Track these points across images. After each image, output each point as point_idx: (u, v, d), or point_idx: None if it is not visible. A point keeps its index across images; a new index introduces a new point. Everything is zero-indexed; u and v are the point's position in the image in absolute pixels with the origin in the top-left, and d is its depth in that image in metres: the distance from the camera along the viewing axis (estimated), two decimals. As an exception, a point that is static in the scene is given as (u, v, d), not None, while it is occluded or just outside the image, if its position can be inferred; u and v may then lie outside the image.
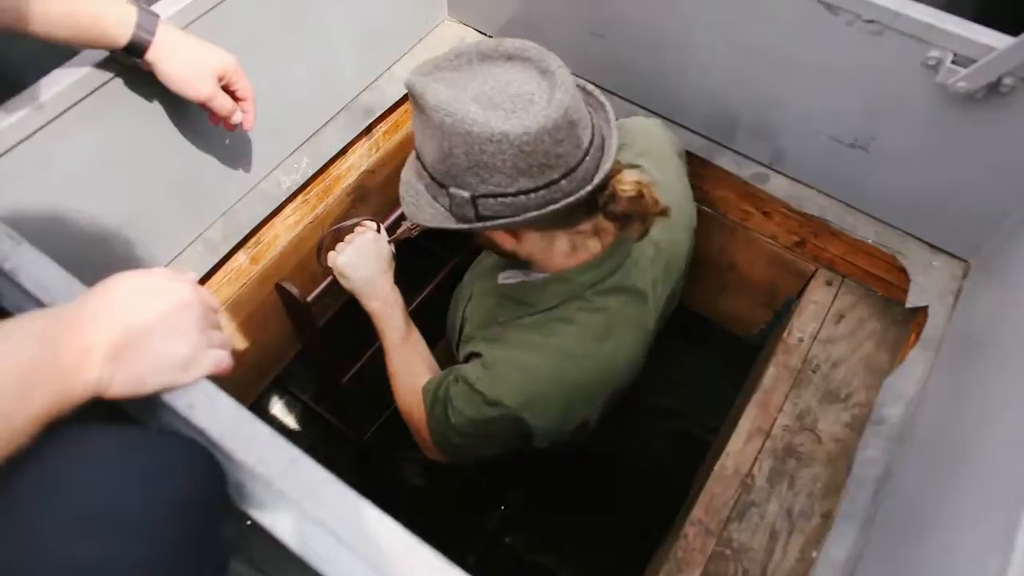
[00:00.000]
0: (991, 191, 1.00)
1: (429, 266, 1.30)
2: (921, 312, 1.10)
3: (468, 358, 0.98)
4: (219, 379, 0.63)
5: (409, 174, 0.86)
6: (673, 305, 1.10)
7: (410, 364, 1.06)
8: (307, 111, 1.23)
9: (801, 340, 1.19)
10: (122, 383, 0.56)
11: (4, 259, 0.67)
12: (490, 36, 1.40)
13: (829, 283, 1.25)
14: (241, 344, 1.30)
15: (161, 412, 0.61)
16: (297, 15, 1.10)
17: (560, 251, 0.90)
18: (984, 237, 1.05)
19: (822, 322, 1.21)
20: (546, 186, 0.76)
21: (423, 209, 0.83)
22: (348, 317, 1.30)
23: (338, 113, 1.29)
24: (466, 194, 0.77)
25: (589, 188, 0.78)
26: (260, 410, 1.52)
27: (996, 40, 0.87)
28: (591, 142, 0.79)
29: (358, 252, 1.04)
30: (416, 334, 1.09)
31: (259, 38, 1.05)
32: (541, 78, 0.76)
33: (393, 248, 1.08)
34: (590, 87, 0.87)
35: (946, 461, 0.80)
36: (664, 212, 0.84)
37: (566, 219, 0.83)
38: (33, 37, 0.79)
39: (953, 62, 0.90)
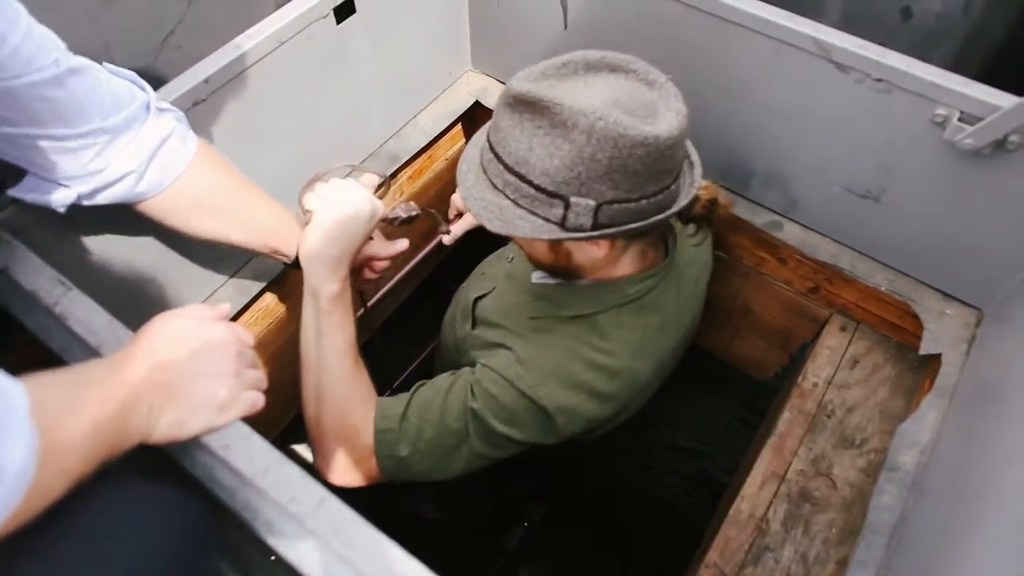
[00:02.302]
0: (1001, 243, 1.02)
1: (447, 304, 1.33)
2: (935, 359, 1.11)
3: (489, 346, 0.97)
4: (246, 419, 0.66)
5: (483, 191, 0.82)
6: (686, 345, 1.12)
7: (359, 375, 0.94)
8: (336, 158, 1.28)
9: (816, 385, 1.20)
10: (164, 429, 0.59)
11: (55, 304, 0.72)
12: (512, 86, 1.45)
13: (843, 329, 1.27)
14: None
15: (197, 452, 0.65)
16: (330, 67, 1.16)
17: (626, 261, 0.92)
18: (996, 287, 1.07)
19: (837, 367, 1.22)
20: (663, 191, 0.79)
21: (513, 223, 0.80)
22: (368, 354, 1.33)
23: (365, 160, 1.34)
24: (592, 202, 0.76)
25: (694, 191, 0.81)
26: (280, 446, 1.54)
27: (1001, 99, 0.89)
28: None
29: (348, 200, 0.91)
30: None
31: (295, 89, 1.11)
32: (649, 89, 0.78)
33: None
34: None
35: (960, 509, 0.81)
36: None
37: (656, 225, 0.82)
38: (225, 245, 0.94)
39: (960, 120, 0.93)
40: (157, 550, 0.57)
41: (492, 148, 0.81)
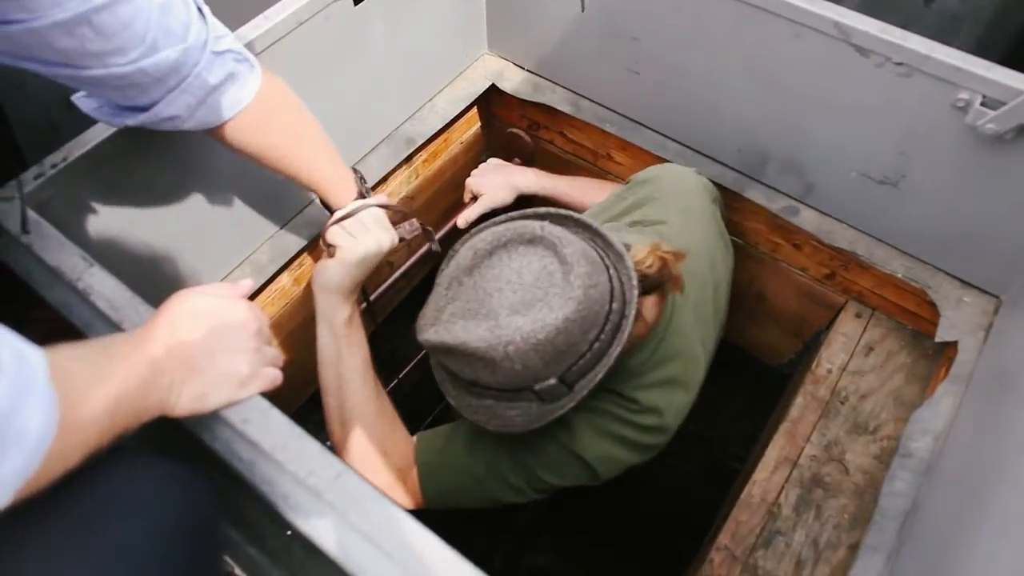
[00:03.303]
0: (1021, 230, 1.01)
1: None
2: (952, 346, 1.10)
3: None
4: (263, 395, 0.67)
5: (467, 399, 0.84)
6: (719, 337, 1.13)
7: (380, 395, 0.98)
8: (352, 140, 1.29)
9: (830, 371, 1.20)
10: (187, 402, 0.60)
11: (78, 279, 0.73)
12: (528, 70, 1.45)
13: (859, 315, 1.27)
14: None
15: (216, 426, 0.66)
16: (347, 49, 1.16)
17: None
18: (1015, 275, 1.06)
19: (851, 354, 1.22)
20: (606, 323, 0.78)
21: (503, 417, 0.82)
22: (382, 338, 1.34)
23: (380, 142, 1.34)
24: (552, 381, 0.78)
25: (636, 293, 0.80)
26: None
27: (1024, 83, 0.88)
28: (612, 263, 0.83)
29: (372, 238, 0.97)
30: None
31: (312, 70, 1.11)
32: (532, 248, 0.78)
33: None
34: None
35: (973, 496, 0.81)
36: (680, 257, 0.87)
37: (624, 340, 0.82)
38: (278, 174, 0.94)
39: (982, 104, 0.92)
40: (156, 525, 0.57)
41: (446, 371, 0.85)
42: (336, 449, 0.95)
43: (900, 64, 0.96)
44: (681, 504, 1.50)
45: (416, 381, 1.65)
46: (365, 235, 0.96)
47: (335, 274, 0.95)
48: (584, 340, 0.77)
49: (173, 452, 0.65)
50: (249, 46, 0.98)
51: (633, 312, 0.79)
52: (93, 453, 0.53)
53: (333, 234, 0.97)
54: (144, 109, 0.75)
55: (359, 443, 0.93)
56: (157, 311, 0.63)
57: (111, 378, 0.52)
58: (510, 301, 0.75)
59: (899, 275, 1.15)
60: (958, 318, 1.10)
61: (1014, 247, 1.04)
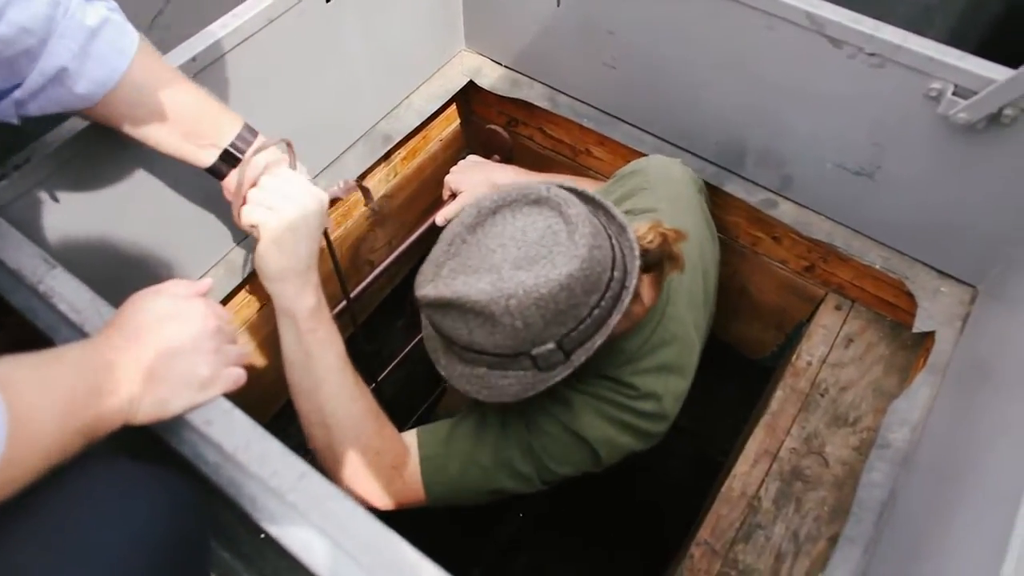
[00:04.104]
0: (996, 219, 1.01)
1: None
2: (930, 337, 1.10)
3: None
4: (237, 396, 0.66)
5: (457, 366, 0.82)
6: (711, 323, 1.13)
7: (361, 389, 0.89)
8: (328, 138, 1.28)
9: (810, 364, 1.20)
10: (148, 408, 0.59)
11: (39, 282, 0.72)
12: (506, 66, 1.44)
13: (839, 307, 1.27)
14: (260, 363, 1.33)
15: (181, 429, 0.65)
16: (321, 46, 1.15)
17: (621, 324, 0.91)
18: (990, 264, 1.06)
19: (831, 346, 1.22)
20: (608, 289, 0.78)
21: (500, 389, 0.80)
22: (359, 340, 1.33)
23: (358, 140, 1.33)
24: (552, 344, 0.76)
25: (638, 264, 0.80)
26: (276, 429, 1.54)
27: (996, 72, 0.88)
28: (614, 235, 0.82)
29: (291, 202, 0.83)
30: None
31: (285, 68, 1.10)
32: (536, 209, 0.78)
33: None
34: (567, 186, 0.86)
35: (948, 485, 0.81)
36: (681, 236, 0.87)
37: (621, 312, 0.81)
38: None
39: (954, 94, 0.91)
40: (143, 534, 0.57)
41: (440, 335, 0.82)
42: (319, 455, 0.88)
43: (873, 55, 0.95)
44: (669, 498, 1.50)
45: (399, 380, 1.64)
46: (281, 200, 0.83)
47: (270, 257, 0.81)
48: (585, 304, 0.76)
49: (157, 459, 0.64)
50: (217, 45, 0.97)
51: (634, 283, 0.79)
52: (57, 462, 0.52)
53: (248, 213, 0.84)
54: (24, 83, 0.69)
55: (347, 447, 0.86)
56: (114, 315, 0.62)
57: (59, 382, 0.52)
58: (514, 257, 0.74)
59: (877, 266, 1.15)
60: (935, 309, 1.10)
61: (989, 236, 1.04)
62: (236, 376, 0.65)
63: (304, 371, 0.85)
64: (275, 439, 0.61)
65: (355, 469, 0.86)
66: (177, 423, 0.65)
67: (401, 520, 0.72)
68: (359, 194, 1.07)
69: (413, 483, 0.91)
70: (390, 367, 1.61)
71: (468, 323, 0.76)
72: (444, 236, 0.79)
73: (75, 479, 0.56)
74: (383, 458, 0.88)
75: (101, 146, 0.91)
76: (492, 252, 0.75)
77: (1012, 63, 0.87)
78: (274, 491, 0.60)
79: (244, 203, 0.85)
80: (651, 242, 0.83)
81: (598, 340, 0.78)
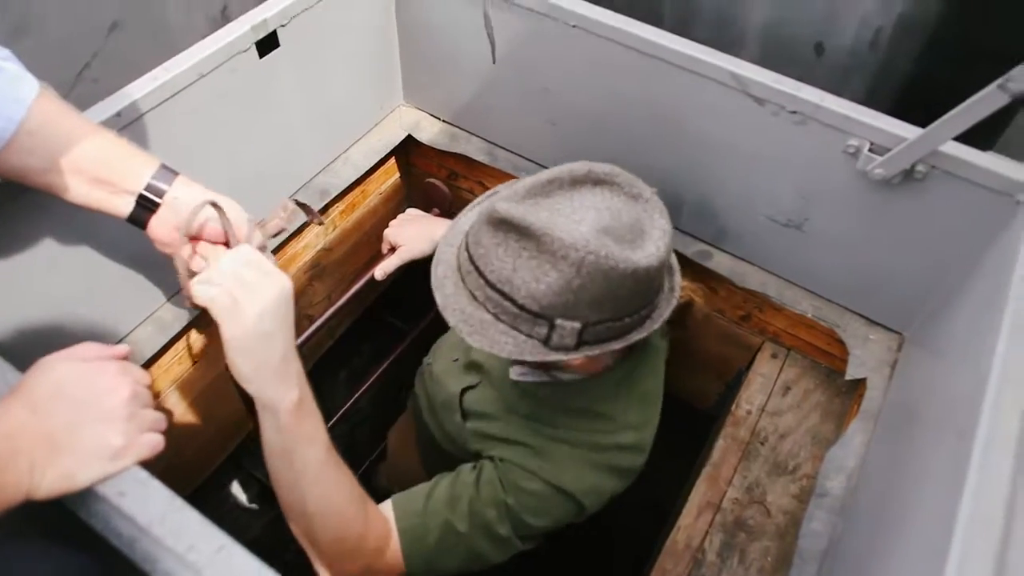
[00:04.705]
0: (917, 269, 1.05)
1: (386, 338, 1.31)
2: (862, 383, 1.13)
3: (497, 440, 0.94)
4: (171, 456, 0.63)
5: (462, 302, 0.79)
6: None
7: (344, 476, 0.82)
8: (264, 192, 1.26)
9: (749, 412, 1.21)
10: (52, 483, 0.55)
11: (-60, 346, 0.67)
12: (445, 121, 1.46)
13: (775, 356, 1.29)
14: (195, 421, 1.28)
15: (90, 500, 0.61)
16: (256, 101, 1.14)
17: (607, 360, 0.90)
18: (915, 311, 1.10)
19: (769, 394, 1.23)
20: (647, 305, 0.78)
21: (496, 340, 0.76)
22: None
23: (295, 194, 1.32)
24: (578, 324, 0.74)
25: (675, 300, 0.80)
26: (215, 487, 1.48)
27: (907, 131, 0.93)
28: (666, 269, 0.83)
29: (256, 289, 0.72)
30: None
31: (218, 123, 1.09)
32: (635, 204, 0.77)
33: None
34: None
35: (884, 530, 0.82)
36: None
37: (638, 340, 0.80)
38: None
39: (870, 150, 0.96)
40: None
41: (472, 260, 0.78)
42: (301, 539, 0.83)
43: (794, 112, 1.00)
44: (624, 546, 1.47)
45: (342, 435, 1.59)
46: (242, 290, 0.72)
47: (241, 362, 0.72)
48: (631, 305, 0.75)
49: (68, 533, 0.60)
50: (144, 99, 0.96)
51: (664, 316, 0.79)
52: None
53: (202, 293, 0.73)
54: None
55: (329, 534, 0.80)
56: (18, 382, 0.58)
57: None
58: (605, 225, 0.73)
59: (809, 315, 1.18)
60: (866, 355, 1.13)
61: (911, 285, 1.08)
62: (153, 443, 0.62)
63: (285, 464, 0.78)
64: (194, 510, 0.58)
65: (339, 555, 0.81)
66: (87, 495, 0.61)
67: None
68: (302, 218, 1.01)
69: (395, 561, 0.87)
70: (331, 422, 1.56)
71: (522, 257, 0.72)
72: (546, 174, 0.77)
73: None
74: (366, 542, 0.84)
75: (16, 203, 0.87)
76: (587, 210, 0.74)
77: (922, 122, 0.92)
78: (190, 566, 0.56)
79: (191, 276, 0.76)
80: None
81: (613, 346, 0.77)
